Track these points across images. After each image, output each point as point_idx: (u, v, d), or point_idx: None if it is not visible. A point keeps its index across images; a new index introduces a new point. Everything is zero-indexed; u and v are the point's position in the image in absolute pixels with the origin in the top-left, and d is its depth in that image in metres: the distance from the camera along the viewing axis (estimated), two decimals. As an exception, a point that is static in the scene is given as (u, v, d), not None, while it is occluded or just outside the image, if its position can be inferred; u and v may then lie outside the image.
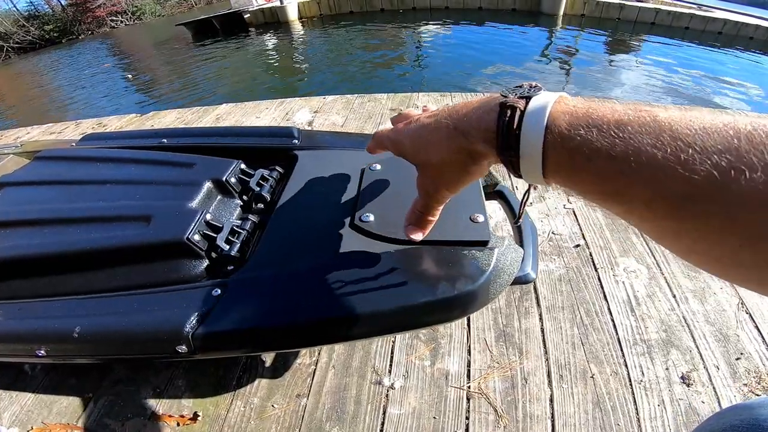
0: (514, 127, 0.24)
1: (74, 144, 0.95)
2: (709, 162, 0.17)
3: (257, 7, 10.92)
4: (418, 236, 0.38)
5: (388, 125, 0.40)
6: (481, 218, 0.47)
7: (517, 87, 0.27)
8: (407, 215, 0.39)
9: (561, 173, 0.24)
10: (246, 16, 10.86)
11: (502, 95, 0.26)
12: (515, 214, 0.60)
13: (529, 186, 0.31)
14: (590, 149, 0.21)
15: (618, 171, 0.20)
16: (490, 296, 0.43)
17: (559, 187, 0.25)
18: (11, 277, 0.59)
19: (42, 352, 0.52)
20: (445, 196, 0.35)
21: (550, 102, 0.24)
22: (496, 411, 0.75)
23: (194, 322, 0.46)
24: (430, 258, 0.44)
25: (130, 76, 7.45)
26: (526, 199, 0.33)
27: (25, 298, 0.57)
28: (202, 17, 11.02)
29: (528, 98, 0.25)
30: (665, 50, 6.23)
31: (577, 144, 0.22)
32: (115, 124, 2.33)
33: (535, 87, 0.26)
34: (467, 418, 0.74)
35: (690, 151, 0.18)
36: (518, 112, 0.24)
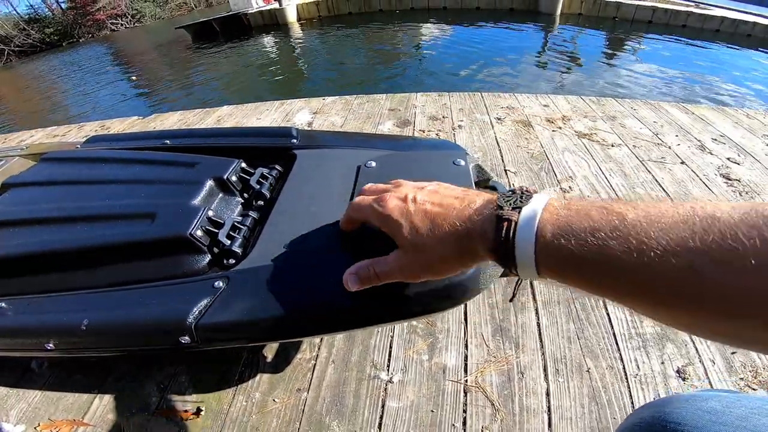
0: (510, 239, 0.26)
1: (79, 146, 0.97)
2: (669, 263, 0.20)
3: (256, 9, 10.98)
4: (354, 288, 0.37)
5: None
6: None
7: (511, 192, 0.29)
8: (358, 266, 0.37)
9: (554, 276, 0.26)
10: (245, 18, 10.91)
11: (497, 204, 0.28)
12: None
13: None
14: (573, 257, 0.23)
15: (600, 274, 0.23)
16: (481, 285, 0.44)
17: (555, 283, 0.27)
18: (21, 273, 0.60)
19: (51, 345, 0.54)
20: (423, 279, 0.35)
21: (538, 212, 0.26)
22: (492, 404, 0.76)
23: (197, 313, 0.48)
24: None
25: (134, 77, 7.54)
26: (519, 284, 0.35)
27: (35, 294, 0.59)
28: (202, 20, 11.07)
29: (519, 209, 0.27)
30: (663, 48, 6.24)
31: (563, 254, 0.24)
32: (117, 126, 2.35)
33: (526, 194, 0.28)
34: (464, 411, 0.75)
35: (651, 254, 0.20)
36: (513, 225, 0.26)
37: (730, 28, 6.99)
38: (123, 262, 0.57)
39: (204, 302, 0.48)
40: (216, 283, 0.50)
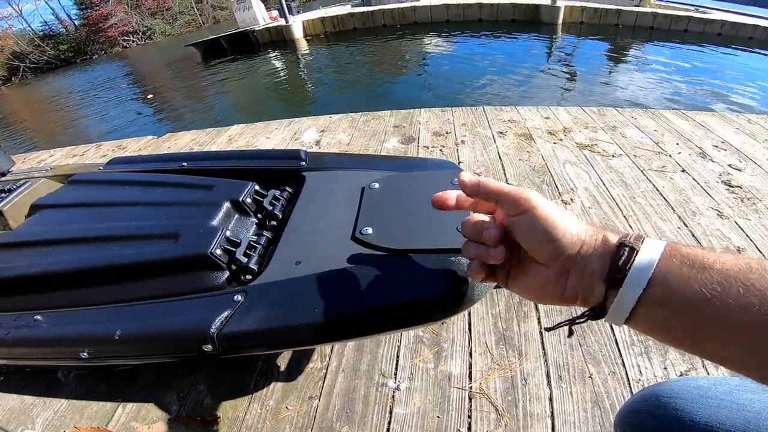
0: (630, 263, 0.27)
1: (101, 168, 1.04)
2: None
3: (263, 26, 11.26)
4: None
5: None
6: None
7: (625, 235, 0.29)
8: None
9: (651, 315, 0.26)
10: (253, 35, 11.19)
11: (621, 235, 0.29)
12: None
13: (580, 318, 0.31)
14: (691, 291, 0.24)
15: (713, 317, 0.23)
16: (476, 296, 0.49)
17: (640, 331, 0.28)
18: (57, 288, 0.66)
19: (85, 354, 0.59)
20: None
21: (663, 245, 0.27)
22: (497, 410, 0.79)
23: (219, 323, 0.53)
24: (422, 264, 0.51)
25: (150, 95, 7.81)
26: (579, 322, 0.32)
27: (69, 308, 0.65)
28: (211, 37, 11.39)
29: (642, 239, 0.28)
30: (666, 53, 6.26)
31: (680, 285, 0.24)
32: (133, 146, 2.45)
33: (644, 236, 0.28)
34: (469, 416, 0.78)
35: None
36: (635, 252, 0.27)
37: (731, 32, 6.98)
38: (150, 278, 0.62)
39: (225, 314, 0.53)
40: (235, 297, 0.55)
